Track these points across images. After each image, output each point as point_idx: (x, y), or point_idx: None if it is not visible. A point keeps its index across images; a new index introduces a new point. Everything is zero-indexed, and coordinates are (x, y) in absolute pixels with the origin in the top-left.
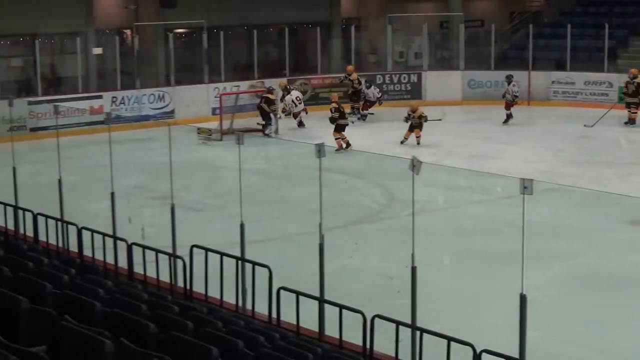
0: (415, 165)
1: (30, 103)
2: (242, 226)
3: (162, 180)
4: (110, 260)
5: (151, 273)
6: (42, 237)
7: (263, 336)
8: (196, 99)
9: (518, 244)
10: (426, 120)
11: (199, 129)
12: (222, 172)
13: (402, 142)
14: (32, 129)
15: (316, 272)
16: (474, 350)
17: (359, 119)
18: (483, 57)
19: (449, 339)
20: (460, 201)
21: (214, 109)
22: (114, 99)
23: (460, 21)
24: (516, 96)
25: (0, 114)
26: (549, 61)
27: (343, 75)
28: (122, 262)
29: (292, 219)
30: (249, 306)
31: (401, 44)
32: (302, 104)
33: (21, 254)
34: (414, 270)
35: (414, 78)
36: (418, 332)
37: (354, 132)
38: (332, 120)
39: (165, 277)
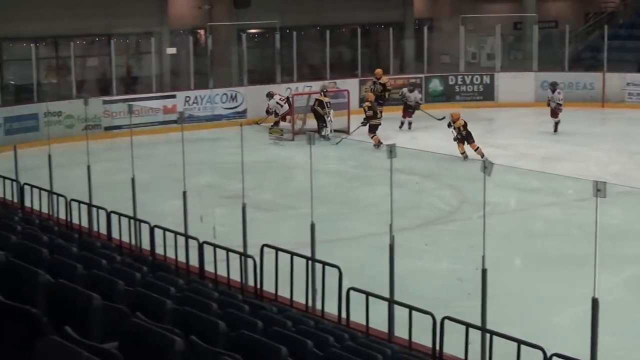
0: (486, 166)
1: (105, 102)
2: (312, 226)
3: (234, 179)
4: (181, 258)
5: (222, 272)
6: (115, 234)
7: (332, 336)
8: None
9: (590, 248)
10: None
11: (270, 128)
12: (293, 172)
13: (464, 158)
14: (107, 128)
15: (386, 273)
16: (545, 353)
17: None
18: (557, 59)
19: (519, 342)
20: (532, 203)
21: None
22: (187, 99)
23: (534, 22)
24: (560, 104)
25: (76, 113)
26: (624, 62)
27: (372, 79)
28: (194, 261)
29: (363, 219)
30: (318, 306)
31: (474, 44)
32: (287, 105)
33: (95, 251)
34: (484, 272)
35: (486, 79)
36: (488, 335)
37: (425, 135)
38: (366, 119)
39: (235, 276)
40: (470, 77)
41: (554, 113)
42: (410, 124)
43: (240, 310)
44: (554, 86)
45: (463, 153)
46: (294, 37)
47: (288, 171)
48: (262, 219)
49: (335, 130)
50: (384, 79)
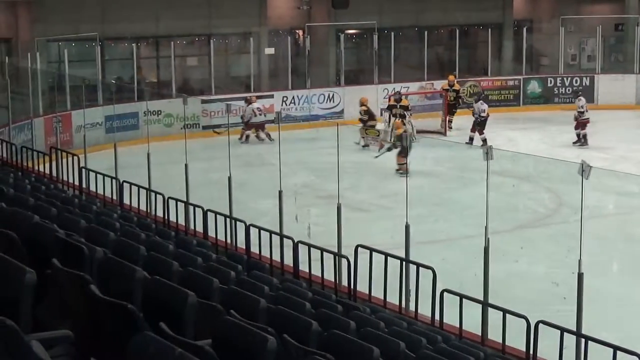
0: (584, 169)
1: (203, 102)
2: (407, 227)
3: (330, 179)
4: (276, 257)
5: (316, 271)
6: (211, 233)
7: (425, 338)
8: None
9: None
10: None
11: (367, 129)
12: (389, 173)
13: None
14: (205, 127)
15: (480, 276)
16: None
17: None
18: None
19: (615, 348)
20: (631, 208)
21: (382, 110)
22: (285, 99)
23: (636, 23)
24: (582, 112)
25: (175, 112)
26: None
27: (446, 85)
28: (288, 260)
29: (458, 221)
30: (412, 308)
31: (574, 46)
32: (264, 116)
33: (191, 249)
34: (580, 276)
35: (586, 81)
36: (583, 340)
37: (522, 136)
38: (362, 122)
39: (329, 275)
40: (569, 78)
41: (579, 124)
42: (471, 139)
43: (333, 310)
44: (576, 94)
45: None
46: (392, 38)
47: (384, 172)
48: (357, 219)
49: (432, 132)
50: (457, 86)
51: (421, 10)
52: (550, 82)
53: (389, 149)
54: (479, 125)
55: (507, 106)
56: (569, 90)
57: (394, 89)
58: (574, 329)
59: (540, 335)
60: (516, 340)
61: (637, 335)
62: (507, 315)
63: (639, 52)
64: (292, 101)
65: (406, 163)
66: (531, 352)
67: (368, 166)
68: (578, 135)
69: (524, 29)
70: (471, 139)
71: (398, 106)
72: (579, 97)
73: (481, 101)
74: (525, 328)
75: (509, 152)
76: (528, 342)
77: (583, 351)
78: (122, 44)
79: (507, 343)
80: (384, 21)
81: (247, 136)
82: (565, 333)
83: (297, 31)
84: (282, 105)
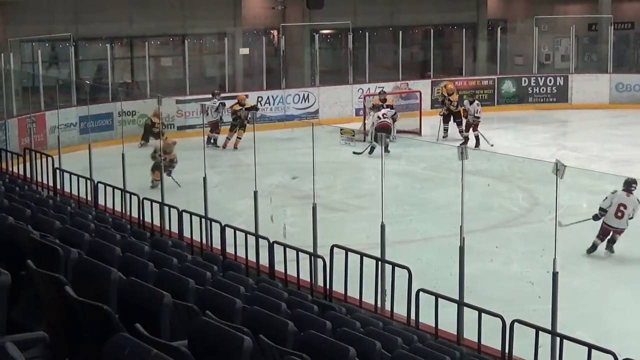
0: (559, 169)
1: (178, 102)
2: (382, 227)
3: (305, 180)
4: (252, 258)
5: (292, 272)
6: (186, 234)
7: (401, 338)
8: (340, 100)
9: None
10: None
11: (342, 129)
12: (364, 173)
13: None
14: (180, 127)
15: (456, 275)
16: (616, 358)
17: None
18: (632, 60)
19: (590, 347)
20: None
21: (357, 110)
22: (260, 99)
23: (609, 23)
24: (478, 117)
25: (149, 113)
26: None
27: (440, 94)
28: (264, 260)
29: (433, 221)
30: (387, 307)
31: (548, 46)
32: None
33: (166, 250)
34: (555, 275)
35: (560, 81)
36: (558, 338)
37: (496, 136)
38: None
39: (305, 276)
40: (543, 78)
41: (473, 126)
42: (467, 139)
43: (309, 310)
44: (472, 97)
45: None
46: (367, 38)
47: (359, 172)
48: (332, 219)
49: (406, 132)
50: (455, 97)
51: (395, 11)
52: (525, 82)
53: (372, 149)
54: (471, 125)
55: (482, 106)
56: (543, 90)
57: (377, 88)
58: (549, 328)
59: (515, 334)
60: (492, 339)
61: (612, 334)
62: (483, 314)
63: (613, 51)
64: (267, 101)
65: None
66: (506, 351)
67: (343, 166)
68: (477, 137)
69: (498, 29)
70: (466, 139)
71: (384, 106)
72: (477, 102)
73: (477, 102)
74: (501, 327)
75: (484, 152)
76: (503, 341)
77: (558, 350)
78: (96, 45)
79: (482, 342)
80: (358, 21)
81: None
82: (540, 332)
83: (271, 31)
84: (257, 105)
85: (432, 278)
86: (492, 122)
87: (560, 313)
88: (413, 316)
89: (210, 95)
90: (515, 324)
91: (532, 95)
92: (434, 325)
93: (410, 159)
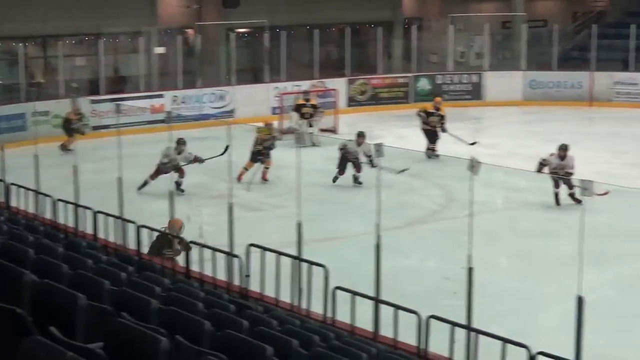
0: (474, 165)
1: (93, 102)
2: (299, 225)
3: (222, 179)
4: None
5: (208, 271)
6: (101, 234)
7: (318, 335)
8: (257, 99)
9: (576, 246)
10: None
11: (258, 128)
12: (281, 172)
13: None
14: (95, 127)
15: (373, 272)
16: (530, 352)
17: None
18: (545, 58)
19: (504, 341)
20: (520, 202)
21: (274, 109)
22: (175, 98)
23: (522, 21)
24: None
25: (63, 113)
26: (612, 62)
27: (431, 108)
28: (180, 260)
29: (351, 218)
30: (304, 305)
31: (462, 44)
32: None
33: (80, 251)
34: (470, 271)
35: (474, 78)
36: (473, 334)
37: (413, 134)
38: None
39: (222, 275)
40: (458, 76)
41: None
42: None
43: (225, 309)
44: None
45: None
46: (283, 37)
47: (276, 171)
48: (249, 218)
49: (323, 130)
50: (443, 110)
51: (312, 9)
52: (440, 80)
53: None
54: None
55: (397, 103)
56: (458, 87)
57: (294, 87)
58: (465, 323)
59: (431, 330)
60: (408, 336)
61: (526, 328)
62: (399, 311)
63: (526, 49)
64: (183, 100)
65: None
66: (422, 346)
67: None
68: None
69: (414, 27)
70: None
71: (308, 105)
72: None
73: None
74: (417, 323)
75: (400, 150)
76: (419, 337)
77: (473, 344)
78: (8, 44)
79: (399, 339)
80: (275, 20)
81: None
82: (455, 327)
83: (187, 30)
84: (172, 104)
85: (350, 276)
86: (408, 119)
87: (476, 308)
88: (330, 314)
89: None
90: (431, 319)
91: (447, 93)
92: (350, 323)
93: (328, 157)
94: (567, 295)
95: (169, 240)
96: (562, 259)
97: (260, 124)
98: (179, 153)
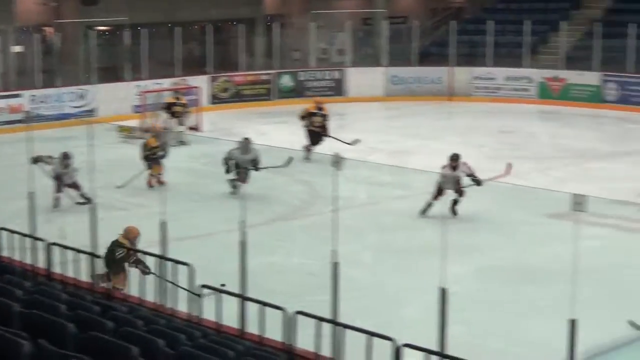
0: (337, 161)
1: None
2: (163, 224)
3: (83, 179)
4: (29, 260)
5: (71, 273)
6: None
7: (184, 334)
8: (118, 97)
9: (439, 239)
10: None
11: (120, 127)
12: (144, 172)
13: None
14: None
15: (238, 270)
16: (395, 344)
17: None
18: (406, 54)
19: (370, 334)
20: (383, 197)
21: (135, 107)
22: (34, 97)
23: (383, 17)
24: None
25: None
26: (471, 57)
27: (313, 108)
28: (42, 263)
29: (215, 216)
30: (170, 304)
31: (324, 40)
32: None
33: None
34: (335, 266)
35: (337, 75)
36: (339, 328)
37: (275, 130)
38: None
39: (85, 276)
40: (320, 72)
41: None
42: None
43: (89, 311)
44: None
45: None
46: (144, 34)
47: (138, 170)
48: (112, 218)
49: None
50: (326, 110)
51: (173, 7)
52: (302, 76)
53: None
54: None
55: (260, 100)
56: (320, 84)
57: (155, 84)
58: (331, 318)
59: (299, 326)
60: (274, 332)
61: (391, 321)
62: (266, 307)
63: (387, 45)
64: (42, 100)
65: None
66: (289, 342)
67: (122, 164)
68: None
69: (275, 24)
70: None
71: (179, 104)
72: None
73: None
74: (283, 319)
75: (263, 146)
76: (286, 333)
77: (340, 339)
78: None
79: (266, 335)
80: (135, 17)
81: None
82: (322, 322)
83: (45, 28)
84: (31, 104)
85: (215, 273)
86: (270, 116)
87: (342, 303)
88: (196, 312)
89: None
90: (298, 315)
91: (309, 89)
92: (216, 321)
93: (191, 155)
94: (431, 287)
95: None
96: (424, 251)
97: (123, 123)
98: (65, 167)
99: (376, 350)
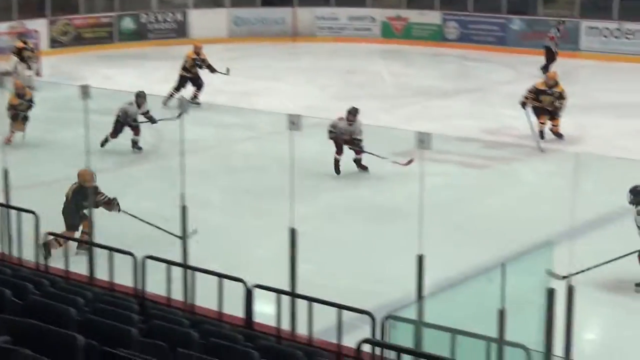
0: (183, 104)
1: None
2: (5, 172)
3: None
4: None
5: None
6: None
7: (32, 284)
8: None
9: (286, 179)
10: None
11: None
12: None
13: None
14: None
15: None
16: (246, 285)
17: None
18: None
19: (220, 276)
20: (230, 139)
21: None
22: None
23: None
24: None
25: None
26: None
27: (192, 54)
28: None
29: (60, 163)
30: (15, 254)
31: None
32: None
33: None
34: (184, 209)
35: (179, 16)
36: (190, 272)
37: (122, 72)
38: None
39: None
40: (162, 14)
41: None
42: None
43: None
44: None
45: None
46: None
47: None
48: None
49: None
50: (204, 54)
51: None
52: (144, 19)
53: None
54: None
55: (101, 44)
56: (163, 26)
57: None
58: (181, 262)
59: (149, 270)
60: (125, 277)
61: (242, 262)
62: (115, 253)
63: None
64: None
65: None
66: (139, 287)
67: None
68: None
69: None
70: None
71: (29, 48)
72: None
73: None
74: (133, 264)
75: (107, 90)
76: (136, 277)
77: (191, 282)
78: None
79: (116, 281)
80: None
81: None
82: (172, 266)
83: None
84: None
85: (61, 221)
86: (113, 60)
87: (193, 247)
88: (42, 261)
89: None
90: (148, 260)
91: (152, 32)
92: (64, 269)
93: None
94: (282, 227)
95: (84, 193)
96: (274, 192)
97: None
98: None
99: (227, 292)
